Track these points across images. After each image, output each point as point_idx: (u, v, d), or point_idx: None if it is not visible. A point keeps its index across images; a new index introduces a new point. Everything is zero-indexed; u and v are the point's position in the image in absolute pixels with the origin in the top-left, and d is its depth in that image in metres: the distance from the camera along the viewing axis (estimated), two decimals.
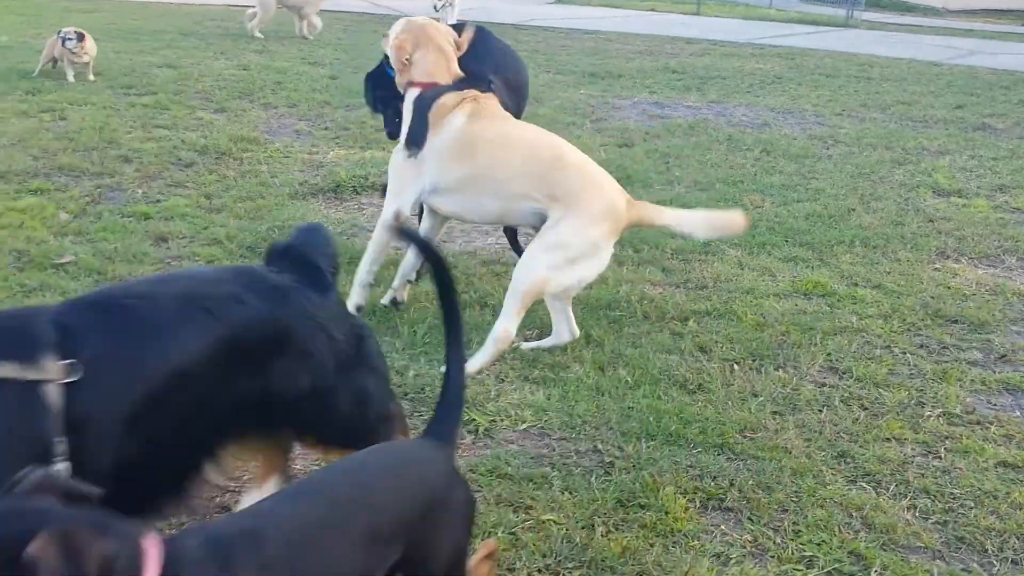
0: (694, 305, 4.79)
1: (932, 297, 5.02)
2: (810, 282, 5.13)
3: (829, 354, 4.28)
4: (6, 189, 6.23)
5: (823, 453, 3.44)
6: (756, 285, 5.09)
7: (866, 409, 3.81)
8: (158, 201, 6.20)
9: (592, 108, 9.96)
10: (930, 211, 6.62)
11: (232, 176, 6.81)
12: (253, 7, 14.63)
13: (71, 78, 9.95)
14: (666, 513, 3.04)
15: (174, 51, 12.46)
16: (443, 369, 2.33)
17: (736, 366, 4.13)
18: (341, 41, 14.23)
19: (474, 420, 3.54)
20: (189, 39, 13.77)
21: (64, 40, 9.87)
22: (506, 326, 3.97)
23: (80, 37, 9.94)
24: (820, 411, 3.77)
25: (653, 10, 22.28)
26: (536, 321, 4.42)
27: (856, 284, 5.18)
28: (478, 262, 5.31)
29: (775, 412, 3.73)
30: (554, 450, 3.38)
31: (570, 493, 3.12)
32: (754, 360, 4.20)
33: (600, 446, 3.41)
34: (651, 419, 3.57)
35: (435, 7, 13.90)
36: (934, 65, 14.83)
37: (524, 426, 3.53)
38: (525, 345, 4.20)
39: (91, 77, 10.14)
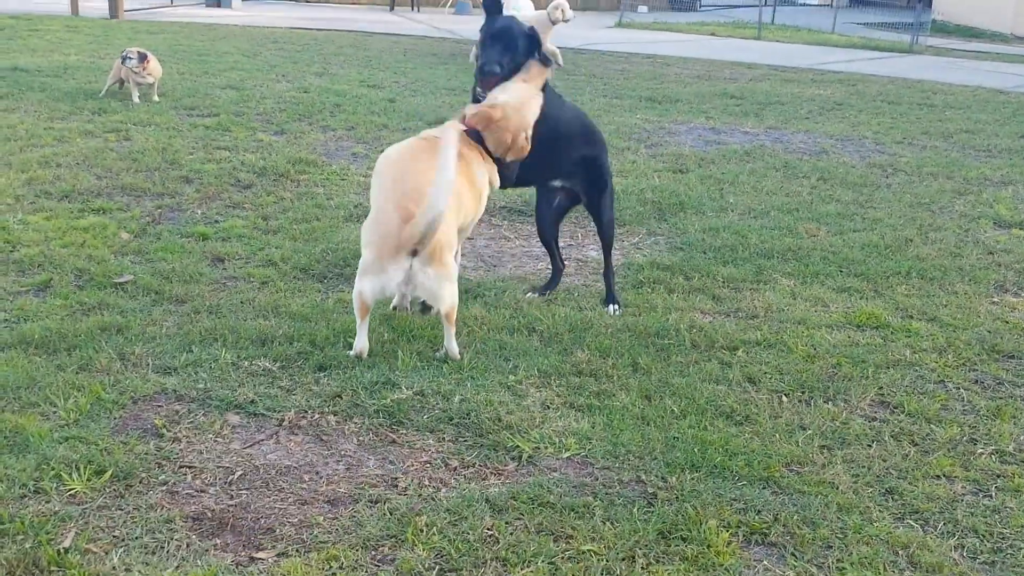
0: (744, 335, 4.76)
1: (989, 331, 4.93)
2: (864, 314, 5.07)
3: (881, 388, 4.23)
4: (70, 208, 6.39)
5: (871, 489, 3.40)
6: (808, 316, 5.04)
7: (916, 445, 3.75)
8: (216, 222, 6.32)
9: (647, 133, 9.95)
10: (990, 243, 6.51)
11: (289, 198, 6.91)
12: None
13: (136, 99, 10.19)
14: (708, 547, 3.02)
15: (237, 73, 12.71)
16: None
17: (784, 398, 4.09)
18: (400, 64, 14.40)
19: (517, 447, 3.55)
20: (252, 61, 14.04)
21: (125, 59, 10.12)
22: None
23: (142, 58, 10.17)
24: (869, 446, 3.71)
25: (714, 34, 22.24)
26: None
27: (911, 317, 5.11)
28: (527, 287, 5.32)
29: (823, 446, 3.69)
30: (597, 479, 3.38)
31: (612, 524, 3.11)
32: (803, 392, 4.15)
33: (644, 476, 3.40)
34: (696, 450, 3.55)
35: None
36: (1000, 93, 14.59)
37: (568, 454, 3.53)
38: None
39: (156, 98, 10.38)
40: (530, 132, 4.56)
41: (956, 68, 17.98)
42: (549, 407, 3.89)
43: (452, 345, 4.31)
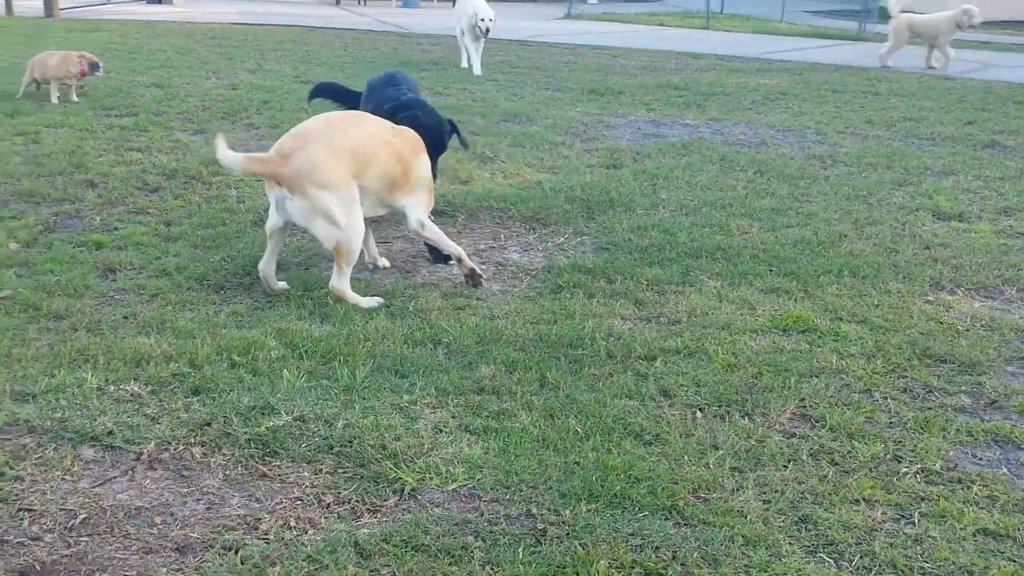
0: (664, 342, 4.47)
1: (921, 333, 4.68)
2: (791, 317, 4.80)
3: (803, 399, 3.95)
4: None
5: (782, 518, 3.11)
6: (733, 320, 4.76)
7: (836, 465, 3.47)
8: (115, 229, 5.94)
9: (584, 127, 9.66)
10: (927, 237, 6.27)
11: (197, 201, 6.54)
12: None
13: (55, 99, 9.75)
14: None
15: (166, 71, 12.27)
16: None
17: (699, 413, 3.80)
18: (339, 59, 14.00)
19: (400, 478, 3.23)
20: (184, 58, 13.59)
21: (97, 67, 9.91)
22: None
23: (95, 66, 9.95)
24: (785, 467, 3.43)
25: (662, 24, 22.01)
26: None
27: (840, 319, 4.84)
28: (439, 294, 5.00)
29: (735, 468, 3.40)
30: (482, 515, 3.06)
31: (492, 567, 2.79)
32: (720, 406, 3.87)
33: (535, 509, 3.08)
34: (596, 477, 3.24)
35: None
36: (946, 79, 14.45)
37: (454, 485, 3.21)
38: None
39: (75, 98, 9.94)
40: None
41: (904, 55, 17.84)
42: (442, 431, 3.57)
43: (335, 282, 4.76)
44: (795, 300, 5.09)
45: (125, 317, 4.55)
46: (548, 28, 20.92)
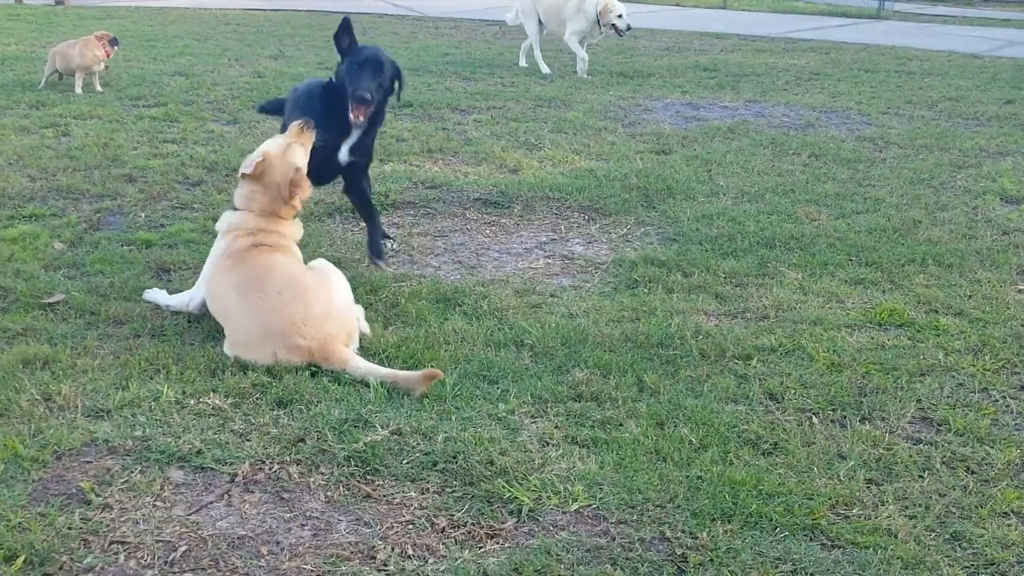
0: (756, 340, 4.24)
1: (1023, 326, 4.45)
2: (884, 310, 4.57)
3: (919, 401, 3.72)
4: None
5: (933, 536, 2.89)
6: (823, 314, 4.53)
7: (973, 473, 3.25)
8: (162, 226, 5.71)
9: (623, 111, 9.40)
10: (1002, 222, 6.03)
11: None
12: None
13: (79, 90, 9.50)
14: None
15: (187, 58, 12.00)
16: None
17: (815, 418, 3.58)
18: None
19: (515, 498, 3.00)
20: (203, 45, 13.31)
21: (114, 42, 9.62)
22: None
23: (114, 42, 9.67)
24: (921, 477, 3.21)
25: (679, 5, 21.66)
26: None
27: (936, 311, 4.61)
28: (511, 291, 4.77)
29: (869, 480, 3.18)
30: (613, 539, 2.84)
31: None
32: (834, 410, 3.64)
33: (668, 532, 2.86)
34: (725, 494, 3.02)
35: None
36: (975, 57, 14.19)
37: (576, 505, 2.98)
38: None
39: (99, 88, 9.69)
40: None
41: (926, 33, 17.57)
42: (548, 443, 3.34)
43: None
44: (884, 292, 4.86)
45: (189, 322, 4.31)
46: None
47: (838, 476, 3.18)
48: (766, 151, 7.75)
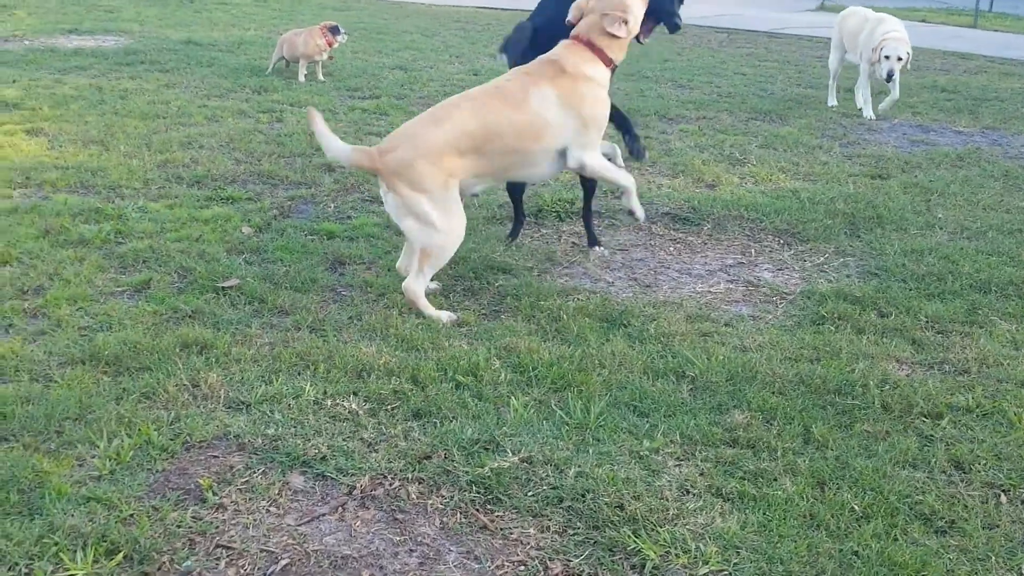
0: (951, 397, 3.78)
1: None
2: None
3: None
4: (197, 196, 5.96)
5: None
6: None
7: None
8: (348, 218, 5.75)
9: (844, 129, 8.83)
10: None
11: None
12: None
13: (302, 78, 9.84)
14: None
15: (410, 53, 12.26)
16: None
17: (1004, 497, 3.12)
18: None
19: (640, 551, 2.74)
20: (429, 40, 13.58)
21: (336, 31, 9.90)
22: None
23: (335, 31, 9.94)
24: None
25: (924, 20, 20.38)
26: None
27: None
28: (683, 316, 4.47)
29: None
30: None
31: None
32: None
33: None
34: (881, 575, 2.65)
35: None
36: None
37: (705, 570, 2.69)
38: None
39: (321, 77, 10.01)
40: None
41: None
42: (689, 491, 3.06)
43: (411, 283, 4.38)
44: None
45: (350, 318, 4.28)
46: (798, 20, 19.78)
47: (1019, 569, 2.74)
48: (996, 183, 7.05)
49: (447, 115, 4.40)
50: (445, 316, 4.36)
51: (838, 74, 10.19)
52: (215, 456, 3.12)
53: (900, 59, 9.00)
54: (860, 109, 9.65)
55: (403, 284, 4.41)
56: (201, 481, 2.96)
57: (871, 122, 9.25)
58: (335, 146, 4.41)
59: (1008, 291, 4.91)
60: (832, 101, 10.12)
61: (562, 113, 4.43)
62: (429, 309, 4.38)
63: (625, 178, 4.73)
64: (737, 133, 8.36)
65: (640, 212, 4.83)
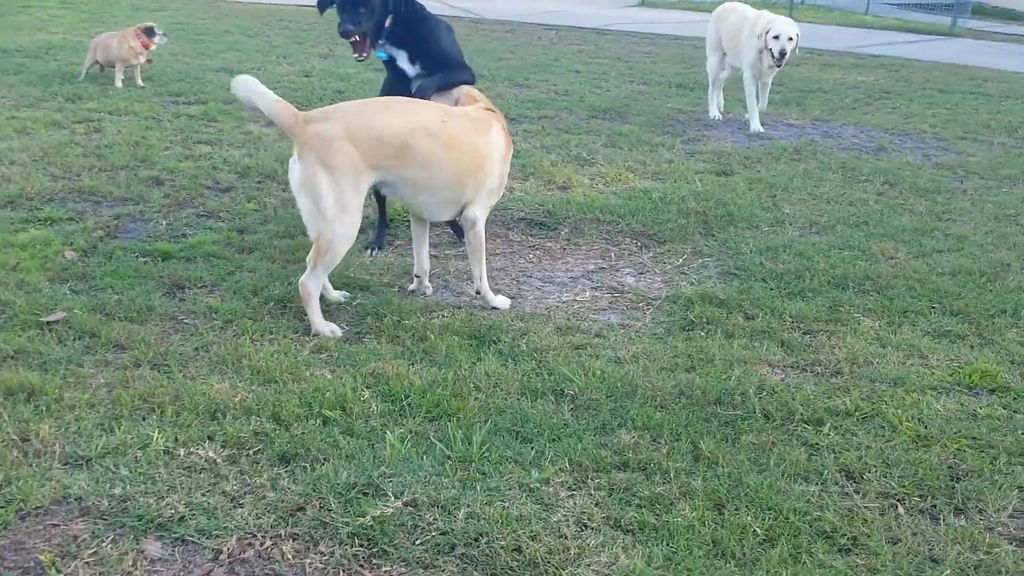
0: (829, 401, 3.74)
1: None
2: (975, 370, 4.04)
3: (1020, 489, 3.20)
4: (11, 218, 5.39)
5: None
6: (905, 373, 4.01)
7: None
8: (183, 236, 5.31)
9: (682, 126, 8.89)
10: None
11: (273, 205, 5.90)
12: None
13: (119, 83, 9.19)
14: None
15: (235, 54, 11.71)
16: None
17: (900, 507, 3.07)
18: None
19: None
20: (253, 41, 13.03)
21: (152, 32, 9.22)
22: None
23: (150, 32, 9.29)
24: None
25: None
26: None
27: None
28: (552, 329, 4.30)
29: None
30: None
31: None
32: (923, 497, 3.12)
33: None
34: None
35: None
36: None
37: None
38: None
39: (140, 83, 9.38)
40: None
41: (1002, 53, 16.81)
42: (587, 525, 2.87)
43: (305, 279, 4.16)
44: (972, 348, 4.32)
45: (196, 349, 3.90)
46: (622, 16, 20.10)
47: None
48: (836, 176, 7.21)
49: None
50: (329, 330, 4.11)
51: (721, 81, 9.49)
52: (55, 524, 2.73)
53: (791, 39, 8.33)
54: (747, 121, 8.95)
55: (299, 280, 4.18)
56: (42, 556, 2.57)
57: (707, 119, 9.35)
58: (259, 90, 4.03)
59: (865, 286, 4.96)
60: (714, 112, 9.36)
61: None
62: (317, 316, 4.13)
63: None
64: (580, 132, 8.28)
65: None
